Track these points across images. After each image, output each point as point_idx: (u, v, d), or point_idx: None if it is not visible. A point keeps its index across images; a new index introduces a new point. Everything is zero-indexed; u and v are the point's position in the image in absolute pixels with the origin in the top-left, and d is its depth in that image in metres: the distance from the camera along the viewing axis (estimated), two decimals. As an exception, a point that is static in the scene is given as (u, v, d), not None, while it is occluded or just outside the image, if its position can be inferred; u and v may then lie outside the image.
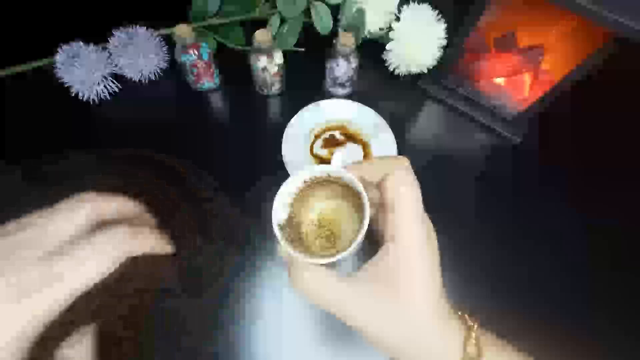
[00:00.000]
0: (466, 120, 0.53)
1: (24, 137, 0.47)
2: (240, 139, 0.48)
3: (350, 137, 0.49)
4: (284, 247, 0.23)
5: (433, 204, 0.47)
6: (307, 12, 0.51)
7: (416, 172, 0.24)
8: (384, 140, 0.48)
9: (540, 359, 0.24)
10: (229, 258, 0.41)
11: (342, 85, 0.51)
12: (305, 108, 0.49)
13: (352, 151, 0.48)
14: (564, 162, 0.51)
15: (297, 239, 0.26)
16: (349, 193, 0.26)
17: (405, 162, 0.24)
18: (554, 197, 0.48)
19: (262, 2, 0.51)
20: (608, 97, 0.56)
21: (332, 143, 0.49)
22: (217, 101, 0.52)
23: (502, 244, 0.45)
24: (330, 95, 0.52)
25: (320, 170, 0.25)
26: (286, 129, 0.47)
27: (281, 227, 0.24)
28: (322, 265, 0.23)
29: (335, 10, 0.51)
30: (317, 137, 0.49)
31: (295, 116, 0.49)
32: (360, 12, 0.49)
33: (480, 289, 0.42)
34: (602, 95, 0.56)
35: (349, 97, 0.52)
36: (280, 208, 0.24)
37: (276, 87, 0.51)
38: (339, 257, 0.22)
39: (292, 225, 0.26)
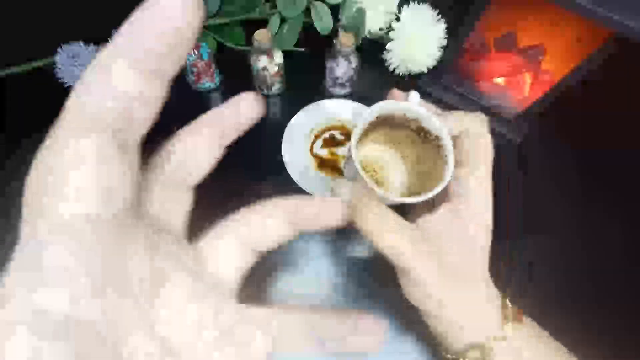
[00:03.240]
0: (466, 120, 0.53)
1: (24, 137, 0.47)
2: (240, 139, 0.48)
3: (350, 137, 0.49)
4: (366, 179, 0.22)
5: (433, 204, 0.47)
6: (307, 12, 0.51)
7: None
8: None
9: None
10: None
11: (342, 85, 0.51)
12: (305, 108, 0.49)
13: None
14: (564, 162, 0.51)
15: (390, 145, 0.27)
16: (406, 138, 0.26)
17: (484, 118, 0.24)
18: (554, 197, 0.48)
19: (262, 2, 0.51)
20: (608, 97, 0.56)
21: (332, 143, 0.49)
22: (217, 101, 0.52)
23: (502, 244, 0.45)
24: (330, 95, 0.52)
25: (401, 108, 0.24)
26: (286, 129, 0.47)
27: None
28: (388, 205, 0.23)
29: (335, 10, 0.51)
30: (317, 137, 0.49)
31: (295, 116, 0.49)
32: (360, 12, 0.49)
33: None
34: (602, 95, 0.56)
35: (349, 97, 0.52)
36: (356, 141, 0.24)
37: (276, 87, 0.51)
38: (426, 196, 0.22)
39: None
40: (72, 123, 0.10)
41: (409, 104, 0.24)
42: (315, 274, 0.41)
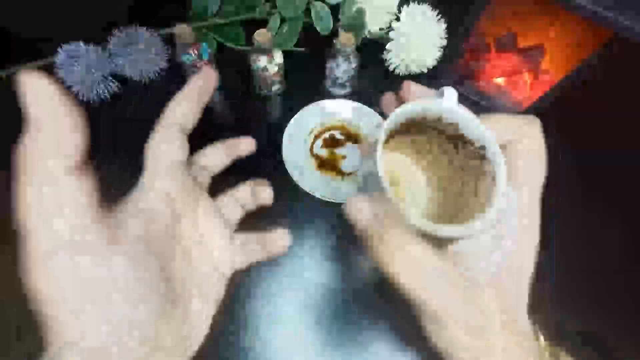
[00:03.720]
0: (466, 120, 0.53)
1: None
2: (240, 139, 0.48)
3: (350, 137, 0.49)
4: (397, 202, 0.16)
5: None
6: (307, 12, 0.51)
7: None
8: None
9: None
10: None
11: (342, 85, 0.51)
12: (305, 108, 0.49)
13: (352, 151, 0.48)
14: (564, 162, 0.51)
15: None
16: (438, 148, 0.21)
17: (538, 124, 0.18)
18: (554, 197, 0.48)
19: (262, 2, 0.51)
20: (608, 97, 0.56)
21: (332, 143, 0.49)
22: (217, 101, 0.52)
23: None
24: (330, 95, 0.52)
25: (436, 109, 0.18)
26: (286, 129, 0.47)
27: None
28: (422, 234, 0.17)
29: (335, 10, 0.51)
30: (317, 137, 0.49)
31: (295, 116, 0.49)
32: (360, 12, 0.49)
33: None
34: (602, 95, 0.56)
35: (349, 97, 0.52)
36: (381, 151, 0.18)
37: (276, 87, 0.51)
38: (473, 228, 0.16)
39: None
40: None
41: (448, 104, 0.18)
42: (316, 284, 0.41)
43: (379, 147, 0.17)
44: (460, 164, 0.20)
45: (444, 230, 0.16)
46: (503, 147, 0.18)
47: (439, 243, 0.17)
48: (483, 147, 0.18)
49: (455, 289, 0.16)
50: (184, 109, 0.20)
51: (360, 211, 0.17)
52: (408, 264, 0.16)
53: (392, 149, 0.23)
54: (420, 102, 0.18)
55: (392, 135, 0.20)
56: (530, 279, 0.18)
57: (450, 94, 0.19)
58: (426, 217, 0.20)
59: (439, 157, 0.22)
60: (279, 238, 0.25)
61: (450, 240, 0.17)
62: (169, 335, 0.16)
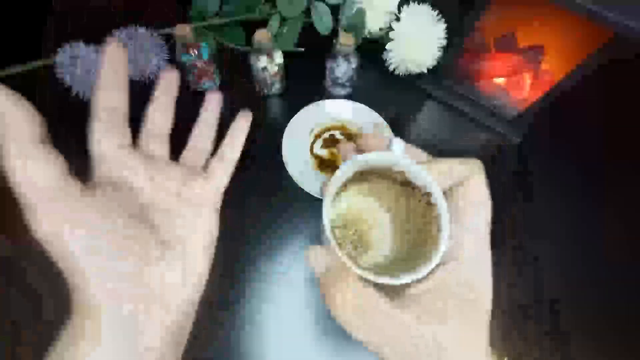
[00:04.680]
0: (466, 120, 0.53)
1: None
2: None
3: (350, 137, 0.49)
4: (339, 253, 0.18)
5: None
6: (307, 12, 0.51)
7: None
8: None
9: None
10: (227, 258, 0.41)
11: (342, 85, 0.51)
12: (305, 108, 0.49)
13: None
14: (564, 161, 0.51)
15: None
16: (391, 192, 0.22)
17: (481, 168, 0.20)
18: (554, 197, 0.48)
19: (262, 2, 0.51)
20: (608, 97, 0.56)
21: (332, 143, 0.49)
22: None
23: (502, 244, 0.45)
24: (330, 95, 0.52)
25: (383, 160, 0.20)
26: (286, 129, 0.47)
27: (332, 227, 0.20)
28: (366, 279, 0.18)
29: (335, 10, 0.51)
30: (317, 137, 0.49)
31: (295, 116, 0.49)
32: (360, 12, 0.49)
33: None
34: (602, 95, 0.56)
35: (349, 97, 0.52)
36: (330, 202, 0.19)
37: (276, 87, 0.51)
38: (416, 275, 0.18)
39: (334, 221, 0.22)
40: None
41: (393, 156, 0.19)
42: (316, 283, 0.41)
43: (327, 198, 0.19)
44: (414, 207, 0.21)
45: (382, 279, 0.17)
46: (450, 190, 0.19)
47: (394, 288, 0.18)
48: (428, 194, 0.19)
49: (398, 329, 0.17)
50: (111, 94, 0.20)
51: (316, 261, 0.18)
52: (349, 310, 0.17)
53: (358, 192, 0.23)
54: (368, 155, 0.19)
55: (350, 181, 0.21)
56: (488, 313, 0.18)
57: (397, 145, 0.20)
58: (392, 259, 0.22)
59: (399, 201, 0.22)
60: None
61: (406, 284, 0.18)
62: (166, 277, 0.18)
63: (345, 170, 0.19)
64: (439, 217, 0.19)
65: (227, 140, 0.25)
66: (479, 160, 0.20)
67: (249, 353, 0.37)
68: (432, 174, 0.19)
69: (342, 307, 0.17)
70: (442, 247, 0.18)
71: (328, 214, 0.18)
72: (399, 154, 0.20)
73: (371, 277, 0.17)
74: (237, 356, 0.37)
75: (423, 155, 0.22)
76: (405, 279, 0.17)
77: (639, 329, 0.41)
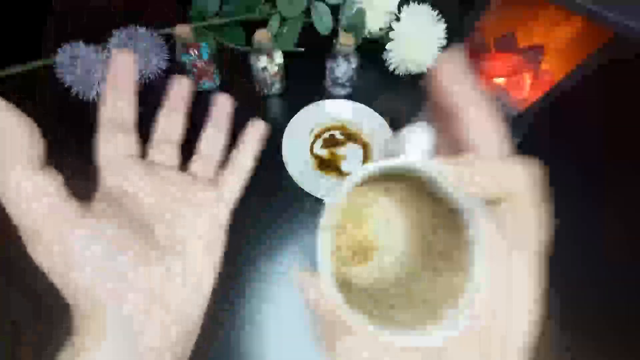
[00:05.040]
0: (466, 120, 0.53)
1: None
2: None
3: (350, 137, 0.49)
4: (344, 311, 0.13)
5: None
6: (307, 12, 0.51)
7: None
8: (383, 135, 0.48)
9: None
10: (227, 258, 0.41)
11: (342, 85, 0.51)
12: (305, 108, 0.49)
13: (352, 151, 0.48)
14: (564, 162, 0.51)
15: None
16: (416, 196, 0.16)
17: (536, 171, 0.13)
18: (554, 197, 0.48)
19: (262, 2, 0.51)
20: (608, 97, 0.56)
21: (332, 143, 0.49)
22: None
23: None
24: (330, 95, 0.52)
25: (401, 167, 0.14)
26: (286, 129, 0.47)
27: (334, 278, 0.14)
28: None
29: (335, 10, 0.51)
30: (317, 137, 0.49)
31: (295, 116, 0.49)
32: (360, 12, 0.49)
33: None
34: (602, 95, 0.56)
35: (349, 97, 0.52)
36: (329, 240, 0.14)
37: (276, 87, 0.51)
38: (439, 335, 0.13)
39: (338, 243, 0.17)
40: None
41: (410, 161, 0.13)
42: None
43: (321, 239, 0.13)
44: (440, 221, 0.16)
45: (402, 339, 0.13)
46: (492, 202, 0.13)
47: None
48: (457, 211, 0.13)
49: None
50: (117, 104, 0.20)
51: (307, 290, 0.15)
52: (345, 354, 0.14)
53: (365, 190, 0.18)
54: (382, 163, 0.14)
55: (362, 184, 0.15)
56: (523, 352, 0.14)
57: (415, 142, 0.15)
58: (404, 278, 0.16)
59: (420, 208, 0.17)
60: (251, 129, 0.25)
61: None
62: (166, 277, 0.18)
63: (351, 182, 0.14)
64: (472, 249, 0.13)
65: (239, 148, 0.25)
66: (535, 165, 0.13)
67: (249, 353, 0.37)
68: (464, 183, 0.13)
69: (332, 343, 0.14)
70: (474, 291, 0.13)
71: (328, 269, 0.13)
72: (417, 157, 0.14)
73: (387, 337, 0.13)
74: (237, 356, 0.37)
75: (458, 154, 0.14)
76: (427, 338, 0.13)
77: (638, 329, 0.41)
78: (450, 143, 0.15)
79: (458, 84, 0.14)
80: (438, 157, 0.14)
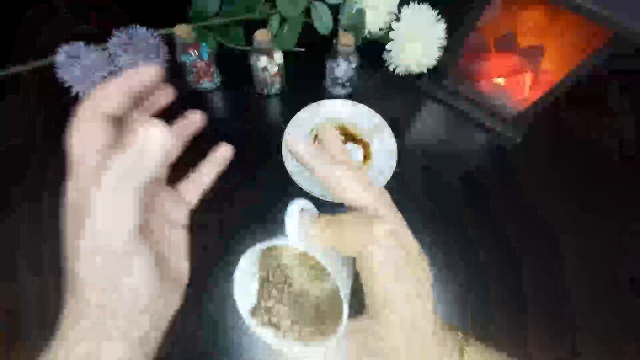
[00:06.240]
0: (466, 120, 0.53)
1: (24, 136, 0.47)
2: (240, 139, 0.48)
3: (350, 137, 0.49)
4: (263, 336, 0.20)
5: (432, 205, 0.47)
6: (307, 12, 0.51)
7: (416, 173, 0.23)
8: (383, 140, 0.48)
9: None
10: (227, 258, 0.41)
11: (342, 85, 0.51)
12: (305, 108, 0.49)
13: (352, 151, 0.48)
14: (564, 162, 0.51)
15: (282, 280, 0.22)
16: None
17: (381, 231, 0.18)
18: (554, 197, 0.48)
19: (262, 2, 0.51)
20: (608, 97, 0.56)
21: (332, 143, 0.49)
22: (217, 101, 0.52)
23: (502, 244, 0.45)
24: (330, 95, 0.52)
25: (274, 244, 0.19)
26: (286, 129, 0.47)
27: (254, 309, 0.21)
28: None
29: (335, 10, 0.51)
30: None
31: (295, 116, 0.49)
32: (360, 12, 0.49)
33: (480, 288, 0.42)
34: (602, 95, 0.56)
35: (349, 97, 0.52)
36: (243, 288, 0.21)
37: (276, 87, 0.51)
38: (328, 343, 0.19)
39: (267, 280, 0.22)
40: None
41: (281, 242, 0.19)
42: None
43: (236, 292, 0.21)
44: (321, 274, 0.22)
45: (294, 346, 0.20)
46: (357, 256, 0.18)
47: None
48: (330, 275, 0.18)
49: None
50: (103, 93, 0.18)
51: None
52: None
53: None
54: (268, 242, 0.19)
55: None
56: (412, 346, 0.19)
57: (292, 228, 0.19)
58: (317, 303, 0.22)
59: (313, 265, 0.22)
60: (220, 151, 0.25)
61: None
62: (162, 289, 0.18)
63: (250, 254, 0.20)
64: (341, 305, 0.18)
65: (205, 165, 0.25)
66: (381, 226, 0.18)
67: (251, 351, 0.37)
68: (326, 240, 0.19)
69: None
70: (343, 321, 0.18)
71: (245, 310, 0.21)
72: (294, 237, 0.19)
73: (292, 346, 0.20)
74: (239, 354, 0.37)
75: (319, 218, 0.20)
76: (315, 346, 0.19)
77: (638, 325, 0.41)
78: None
79: (314, 159, 0.20)
80: (317, 222, 0.19)
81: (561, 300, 0.42)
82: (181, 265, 0.21)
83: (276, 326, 0.21)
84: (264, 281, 0.22)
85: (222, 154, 0.25)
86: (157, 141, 0.15)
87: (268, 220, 0.43)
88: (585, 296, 0.42)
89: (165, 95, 0.23)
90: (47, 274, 0.39)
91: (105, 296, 0.16)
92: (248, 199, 0.44)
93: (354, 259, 0.19)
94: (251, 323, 0.21)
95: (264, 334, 0.20)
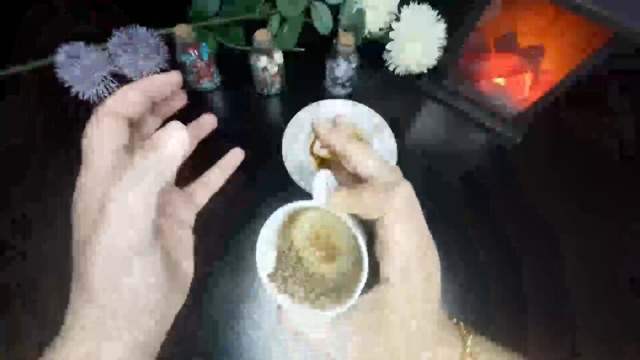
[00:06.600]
0: (466, 120, 0.53)
1: (24, 136, 0.47)
2: (240, 139, 0.48)
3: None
4: (279, 300, 0.21)
5: (432, 205, 0.47)
6: (307, 12, 0.51)
7: (416, 173, 0.23)
8: (383, 140, 0.48)
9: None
10: (227, 258, 0.41)
11: (342, 85, 0.51)
12: (305, 108, 0.49)
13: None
14: (564, 162, 0.51)
15: (294, 261, 0.24)
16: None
17: (402, 193, 0.19)
18: (554, 197, 0.48)
19: (262, 2, 0.51)
20: (608, 97, 0.56)
21: (332, 143, 0.49)
22: (217, 101, 0.52)
23: (502, 244, 0.45)
24: (330, 95, 0.52)
25: (301, 206, 0.21)
26: (286, 129, 0.47)
27: (272, 275, 0.22)
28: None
29: (335, 10, 0.51)
30: (317, 137, 0.49)
31: (295, 116, 0.49)
32: (360, 12, 0.49)
33: (480, 288, 0.42)
34: (602, 95, 0.56)
35: (349, 97, 0.52)
36: (263, 255, 0.22)
37: (276, 87, 0.51)
38: (342, 308, 0.20)
39: (284, 253, 0.24)
40: None
41: (311, 202, 0.20)
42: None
43: (259, 254, 0.22)
44: (349, 236, 0.23)
45: (311, 311, 0.21)
46: (379, 219, 0.19)
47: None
48: (353, 234, 0.20)
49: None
50: (124, 96, 0.18)
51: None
52: (295, 329, 0.22)
53: (311, 215, 0.24)
54: (292, 205, 0.21)
55: (294, 217, 0.24)
56: (413, 329, 0.20)
57: (318, 181, 0.21)
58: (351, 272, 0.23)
59: (339, 228, 0.24)
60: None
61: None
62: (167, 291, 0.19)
63: (267, 227, 0.22)
64: (362, 262, 0.19)
65: (215, 170, 0.26)
66: (400, 190, 0.19)
67: (251, 351, 0.37)
68: (349, 209, 0.20)
69: (284, 323, 0.22)
70: (361, 283, 0.19)
71: (264, 273, 0.22)
72: (322, 199, 0.20)
73: (307, 310, 0.21)
74: (237, 357, 0.37)
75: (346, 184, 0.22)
76: (330, 311, 0.20)
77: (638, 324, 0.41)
78: (354, 177, 0.23)
79: (334, 138, 0.23)
80: (339, 190, 0.20)
81: (561, 300, 0.42)
82: (187, 265, 0.22)
83: (292, 295, 0.22)
84: (281, 253, 0.23)
85: (234, 159, 0.26)
86: (180, 145, 0.16)
87: (268, 219, 0.43)
88: (585, 296, 0.42)
89: (180, 100, 0.23)
90: (47, 274, 0.39)
91: (106, 296, 0.16)
92: (248, 199, 0.44)
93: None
94: (268, 287, 0.22)
95: (280, 299, 0.21)
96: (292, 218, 0.23)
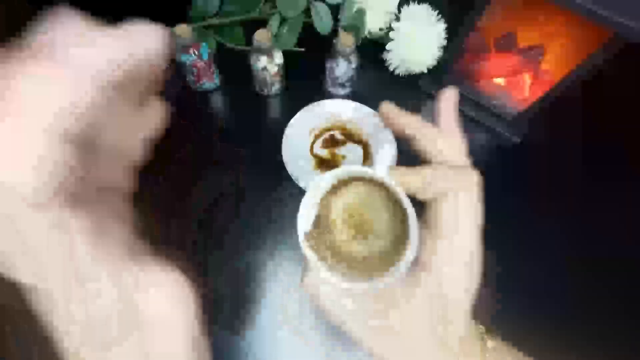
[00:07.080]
0: (466, 120, 0.53)
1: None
2: (240, 139, 0.48)
3: (350, 137, 0.49)
4: (312, 263, 0.21)
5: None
6: (307, 12, 0.51)
7: None
8: (384, 140, 0.48)
9: None
10: (227, 258, 0.41)
11: (342, 85, 0.51)
12: (305, 108, 0.49)
13: (352, 151, 0.48)
14: (564, 162, 0.51)
15: (325, 231, 0.23)
16: (382, 193, 0.23)
17: (474, 178, 0.19)
18: (554, 197, 0.48)
19: (262, 2, 0.51)
20: (608, 97, 0.56)
21: (332, 143, 0.49)
22: (217, 101, 0.52)
23: (502, 244, 0.44)
24: (330, 95, 0.52)
25: (360, 171, 0.21)
26: (286, 129, 0.47)
27: (308, 237, 0.22)
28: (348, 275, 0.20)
29: (335, 10, 0.51)
30: (317, 137, 0.49)
31: (295, 116, 0.49)
32: (360, 12, 0.49)
33: (481, 287, 0.42)
34: (602, 95, 0.56)
35: (349, 97, 0.52)
36: (306, 214, 0.22)
37: (276, 87, 0.51)
38: (377, 283, 0.19)
39: (319, 222, 0.23)
40: None
41: (369, 170, 0.20)
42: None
43: (302, 211, 0.21)
44: (396, 212, 0.22)
45: (344, 284, 0.20)
46: (436, 201, 0.19)
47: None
48: (401, 207, 0.19)
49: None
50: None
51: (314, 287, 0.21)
52: (321, 301, 0.21)
53: (352, 189, 0.24)
54: (351, 168, 0.21)
55: (338, 188, 0.23)
56: (467, 311, 0.20)
57: (380, 159, 0.21)
58: (384, 251, 0.22)
59: (387, 203, 0.23)
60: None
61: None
62: None
63: (317, 188, 0.21)
64: (408, 229, 0.19)
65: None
66: (474, 174, 0.19)
67: (252, 350, 0.37)
68: (407, 182, 0.19)
69: (310, 290, 0.21)
70: (407, 258, 0.18)
71: (302, 231, 0.21)
72: (383, 172, 0.20)
73: (339, 280, 0.20)
74: (237, 357, 0.37)
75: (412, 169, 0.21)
76: (361, 284, 0.19)
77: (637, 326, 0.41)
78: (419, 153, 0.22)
79: (403, 121, 0.22)
80: (398, 168, 0.20)
81: (561, 300, 0.42)
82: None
83: (324, 259, 0.22)
84: (318, 218, 0.23)
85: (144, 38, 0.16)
86: (150, 40, 0.13)
87: (268, 219, 0.43)
88: (585, 296, 0.42)
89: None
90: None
91: None
92: (248, 198, 0.44)
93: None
94: (303, 244, 0.21)
95: (311, 257, 0.21)
96: (340, 184, 0.23)
